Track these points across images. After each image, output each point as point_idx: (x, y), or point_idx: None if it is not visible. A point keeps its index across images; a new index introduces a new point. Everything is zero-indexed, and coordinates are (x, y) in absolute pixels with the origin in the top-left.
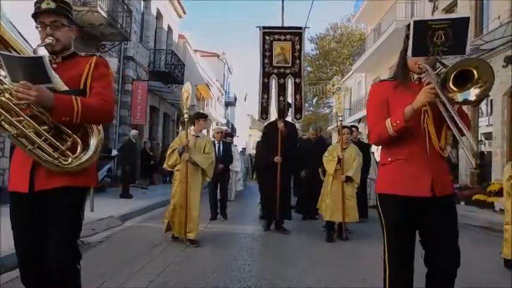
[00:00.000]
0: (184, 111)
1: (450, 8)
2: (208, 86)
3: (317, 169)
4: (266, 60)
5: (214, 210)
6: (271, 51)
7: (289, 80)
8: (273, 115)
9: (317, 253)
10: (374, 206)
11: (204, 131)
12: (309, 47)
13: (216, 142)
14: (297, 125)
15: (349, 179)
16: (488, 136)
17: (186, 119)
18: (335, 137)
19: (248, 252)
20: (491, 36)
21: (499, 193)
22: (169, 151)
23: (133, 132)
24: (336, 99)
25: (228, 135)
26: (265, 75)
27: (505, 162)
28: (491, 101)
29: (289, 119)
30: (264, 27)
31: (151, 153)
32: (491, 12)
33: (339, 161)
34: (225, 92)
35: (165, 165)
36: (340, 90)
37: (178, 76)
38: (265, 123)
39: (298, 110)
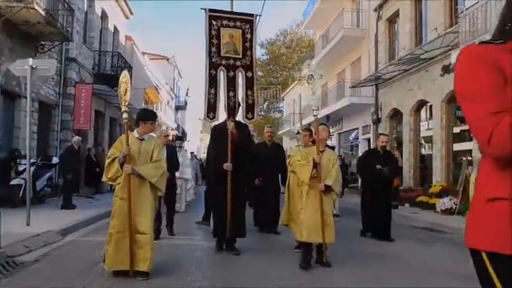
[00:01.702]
0: (123, 108)
1: (393, 18)
2: (157, 90)
3: (275, 176)
4: (213, 49)
5: (157, 228)
6: (218, 39)
7: (240, 73)
8: (223, 114)
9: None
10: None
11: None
12: (259, 52)
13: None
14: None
15: (327, 189)
16: (428, 140)
17: (125, 120)
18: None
19: (200, 273)
20: (430, 46)
21: (440, 195)
22: (107, 161)
23: (76, 138)
24: (309, 90)
25: (177, 138)
26: (212, 66)
27: (444, 166)
28: (431, 106)
29: (240, 118)
30: (210, 10)
31: (96, 160)
32: (430, 24)
33: (315, 165)
34: (175, 95)
35: (104, 179)
36: (313, 78)
37: None
38: (213, 125)
39: (250, 108)
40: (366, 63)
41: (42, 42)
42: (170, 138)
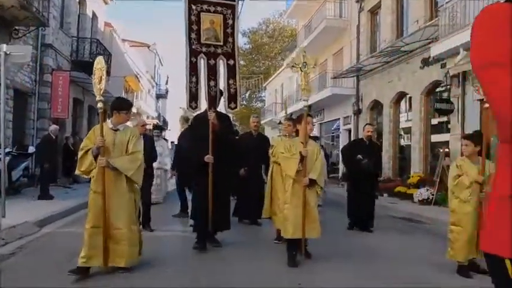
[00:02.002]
0: (98, 97)
1: (375, 10)
2: (137, 78)
3: (259, 167)
4: (193, 35)
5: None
6: (198, 25)
7: (221, 61)
8: (205, 104)
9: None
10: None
11: (129, 124)
12: (241, 41)
13: None
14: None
15: (312, 183)
16: (407, 131)
17: (100, 109)
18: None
19: (181, 269)
20: (410, 38)
21: (417, 185)
22: (80, 153)
23: (53, 127)
24: (302, 78)
25: (156, 127)
26: (193, 53)
27: (422, 157)
28: (410, 98)
29: (222, 109)
30: None
31: (74, 150)
32: (411, 16)
33: (302, 159)
34: (156, 84)
35: (77, 172)
36: (306, 66)
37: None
38: (195, 114)
39: (233, 98)
40: (348, 54)
41: (17, 27)
42: (148, 127)
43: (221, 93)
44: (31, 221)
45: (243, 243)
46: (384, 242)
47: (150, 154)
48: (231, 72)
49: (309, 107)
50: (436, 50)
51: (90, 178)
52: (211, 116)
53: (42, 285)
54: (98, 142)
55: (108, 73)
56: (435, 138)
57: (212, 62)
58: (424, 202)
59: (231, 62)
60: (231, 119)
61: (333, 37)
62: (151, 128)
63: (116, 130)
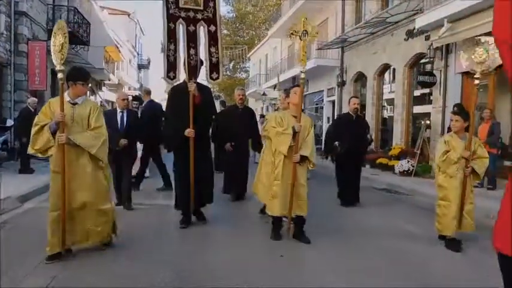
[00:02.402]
0: (58, 66)
1: None
2: (118, 48)
3: (245, 142)
4: None
5: (118, 195)
6: None
7: (202, 27)
8: (184, 74)
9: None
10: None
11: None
12: (224, 9)
13: (119, 111)
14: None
15: (303, 159)
16: (390, 102)
17: (61, 80)
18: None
19: (167, 242)
20: (396, 10)
21: (398, 157)
22: (34, 129)
23: (31, 99)
24: (301, 47)
25: (134, 99)
26: (171, 18)
27: (404, 129)
28: (394, 70)
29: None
30: None
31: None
32: None
33: (294, 134)
34: (137, 53)
35: (30, 151)
36: (307, 35)
37: (84, 36)
38: (173, 85)
39: (215, 68)
40: (333, 25)
41: None
42: (129, 100)
43: (201, 62)
44: (13, 196)
45: (228, 218)
46: (367, 214)
47: (135, 130)
48: (213, 39)
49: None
50: (420, 21)
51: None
52: (192, 87)
53: (27, 262)
54: (58, 117)
55: (87, 43)
56: (417, 109)
57: (192, 28)
58: (405, 173)
59: (212, 28)
60: (212, 90)
61: (318, 7)
62: (135, 104)
63: (74, 104)
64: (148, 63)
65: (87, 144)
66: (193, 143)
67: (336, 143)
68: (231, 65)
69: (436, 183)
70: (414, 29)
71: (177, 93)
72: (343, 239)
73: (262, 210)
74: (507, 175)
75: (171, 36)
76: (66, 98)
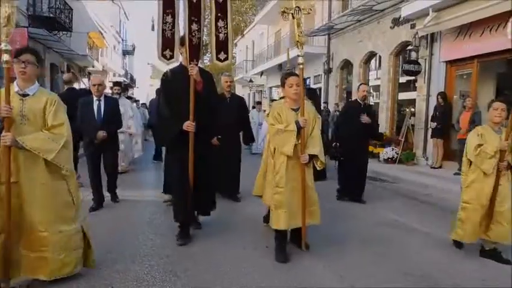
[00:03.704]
0: (3, 45)
1: None
2: (102, 34)
3: (236, 135)
4: None
5: (98, 196)
6: None
7: None
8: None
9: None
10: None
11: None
12: None
13: (95, 99)
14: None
15: (311, 158)
16: (376, 89)
17: (6, 63)
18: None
19: (150, 226)
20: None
21: (383, 145)
22: None
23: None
24: (295, 27)
25: (115, 84)
26: None
27: (389, 116)
28: (380, 57)
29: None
30: None
31: None
32: None
33: (299, 130)
34: (122, 39)
35: None
36: (300, 12)
37: (66, 22)
38: (168, 69)
39: (223, 46)
40: (320, 12)
41: None
42: (105, 86)
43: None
44: None
45: (225, 223)
46: (352, 204)
47: (114, 120)
48: (221, 11)
49: (280, 65)
50: (406, 10)
51: None
52: (194, 70)
53: None
54: (2, 111)
55: (70, 29)
56: (402, 96)
57: None
58: (389, 161)
59: None
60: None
61: None
62: (116, 90)
63: (24, 95)
64: (133, 49)
65: (42, 149)
66: (193, 139)
67: (333, 144)
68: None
69: (463, 182)
70: (400, 17)
71: (174, 78)
72: (330, 228)
73: (267, 218)
74: None
75: (169, 5)
76: (15, 87)
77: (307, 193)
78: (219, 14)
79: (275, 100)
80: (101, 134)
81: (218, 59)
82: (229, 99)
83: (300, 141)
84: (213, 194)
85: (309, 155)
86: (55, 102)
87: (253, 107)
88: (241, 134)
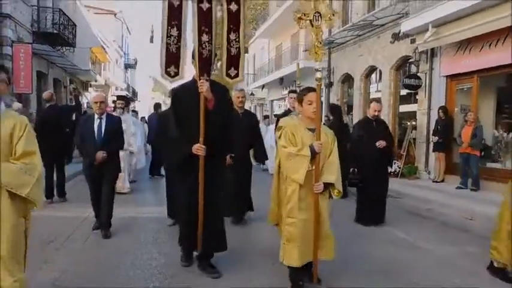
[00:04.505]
0: None
1: None
2: (104, 49)
3: (247, 153)
4: None
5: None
6: None
7: (220, 6)
8: (190, 70)
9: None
10: None
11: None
12: None
13: (96, 117)
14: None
15: (327, 187)
16: (377, 101)
17: None
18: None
19: (154, 245)
20: (382, 13)
21: None
22: None
23: (17, 105)
24: (313, 35)
25: (119, 98)
26: None
27: (390, 130)
28: (380, 71)
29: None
30: None
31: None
32: None
33: (314, 155)
34: (124, 53)
35: None
36: (320, 19)
37: (70, 38)
38: (174, 85)
39: (234, 61)
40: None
41: None
42: (110, 104)
43: (215, 54)
44: None
45: (236, 253)
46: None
47: (115, 141)
48: (233, 22)
49: (281, 79)
50: (406, 26)
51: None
52: (204, 86)
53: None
54: None
55: (73, 44)
56: (403, 108)
57: (206, 5)
58: (391, 175)
59: (234, 7)
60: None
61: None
62: (119, 104)
63: None
64: (135, 62)
65: (14, 183)
66: (203, 163)
67: (351, 170)
68: (219, 64)
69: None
70: (400, 32)
71: (182, 96)
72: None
73: None
74: (490, 176)
75: (174, 16)
76: None
77: (322, 226)
78: (231, 26)
79: (277, 114)
80: (100, 154)
81: (228, 75)
82: (242, 115)
83: (314, 167)
84: (223, 227)
85: (325, 183)
86: (25, 128)
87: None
88: (251, 151)
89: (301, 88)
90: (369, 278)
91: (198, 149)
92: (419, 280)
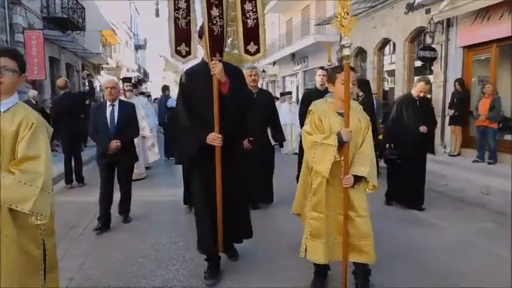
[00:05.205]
0: None
1: None
2: (114, 31)
3: (265, 135)
4: None
5: (106, 215)
6: None
7: None
8: (201, 51)
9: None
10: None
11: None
12: None
13: (108, 104)
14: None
15: (358, 180)
16: (391, 73)
17: None
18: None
19: (173, 228)
20: None
21: None
22: None
23: (32, 92)
24: (339, 5)
25: (124, 80)
26: None
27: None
28: (394, 43)
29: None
30: None
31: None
32: None
33: (342, 143)
34: (134, 34)
35: None
36: None
37: (79, 22)
38: (185, 68)
39: (252, 35)
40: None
41: None
42: (127, 87)
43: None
44: None
45: (261, 250)
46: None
47: (129, 128)
48: None
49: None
50: None
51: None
52: (217, 68)
53: None
54: None
55: (83, 28)
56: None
57: None
58: None
59: None
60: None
61: None
62: (127, 87)
63: None
64: (145, 43)
65: (14, 199)
66: (219, 154)
67: (387, 150)
68: (229, 41)
69: None
70: (414, 1)
71: (193, 79)
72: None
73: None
74: (507, 149)
75: None
76: None
77: (356, 223)
78: None
79: (306, 92)
80: (114, 143)
81: (247, 51)
82: (257, 95)
83: (342, 158)
84: (248, 216)
85: (355, 175)
86: (32, 126)
87: (276, 99)
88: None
89: (332, 66)
90: (381, 260)
91: (214, 139)
92: (435, 262)
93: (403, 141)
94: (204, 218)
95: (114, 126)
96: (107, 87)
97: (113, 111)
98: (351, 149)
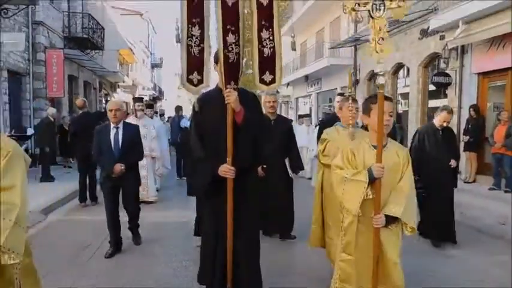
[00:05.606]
0: None
1: None
2: (131, 50)
3: (283, 163)
4: None
5: (116, 238)
6: None
7: (247, 1)
8: (214, 78)
9: None
10: None
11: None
12: None
13: (112, 126)
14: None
15: (393, 221)
16: (405, 96)
17: None
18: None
19: (184, 252)
20: (410, 9)
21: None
22: None
23: (51, 110)
24: (374, 29)
25: (137, 101)
26: None
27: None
28: (408, 68)
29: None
30: None
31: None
32: None
33: (373, 180)
34: (150, 53)
35: None
36: (383, 7)
37: (98, 41)
38: (198, 95)
39: (268, 64)
40: (345, 23)
41: (6, 6)
42: (139, 107)
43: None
44: (37, 210)
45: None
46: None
47: (133, 153)
48: (265, 17)
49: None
50: (434, 23)
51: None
52: (231, 96)
53: (49, 283)
54: None
55: (102, 48)
56: (432, 103)
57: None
58: None
59: (265, 0)
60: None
61: (329, 4)
62: (139, 107)
63: None
64: (161, 61)
65: None
66: (231, 189)
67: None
68: (244, 61)
69: None
70: (428, 28)
71: (207, 107)
72: None
73: None
74: None
75: (195, 12)
76: None
77: (385, 267)
78: (263, 22)
79: (323, 119)
80: (118, 167)
81: (262, 81)
82: (274, 122)
83: (374, 195)
84: (258, 267)
85: (387, 215)
86: (8, 155)
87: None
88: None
89: (352, 94)
90: None
91: (226, 171)
92: None
93: (425, 172)
94: (207, 254)
95: (119, 149)
96: (111, 110)
97: (117, 134)
98: (387, 187)
